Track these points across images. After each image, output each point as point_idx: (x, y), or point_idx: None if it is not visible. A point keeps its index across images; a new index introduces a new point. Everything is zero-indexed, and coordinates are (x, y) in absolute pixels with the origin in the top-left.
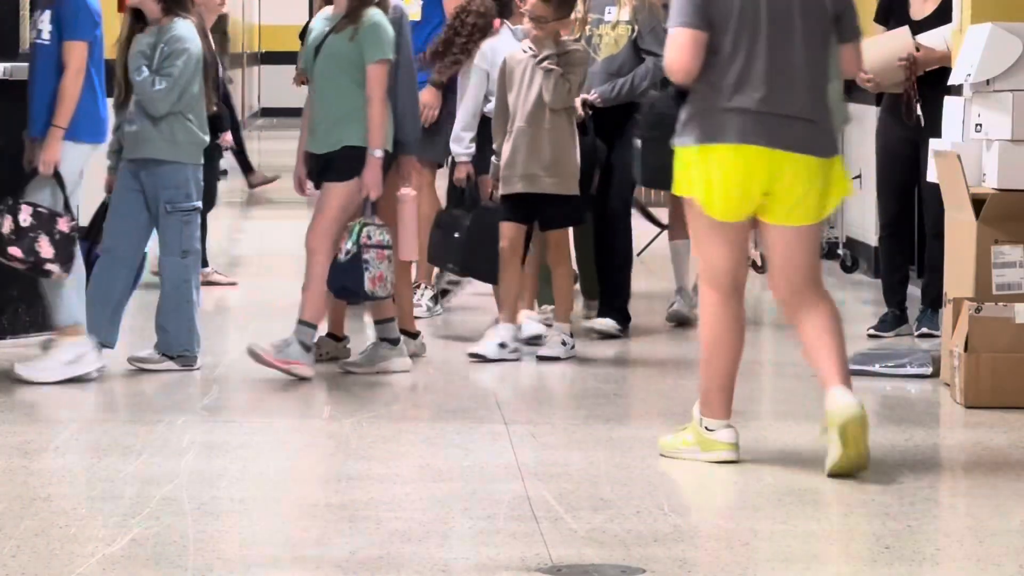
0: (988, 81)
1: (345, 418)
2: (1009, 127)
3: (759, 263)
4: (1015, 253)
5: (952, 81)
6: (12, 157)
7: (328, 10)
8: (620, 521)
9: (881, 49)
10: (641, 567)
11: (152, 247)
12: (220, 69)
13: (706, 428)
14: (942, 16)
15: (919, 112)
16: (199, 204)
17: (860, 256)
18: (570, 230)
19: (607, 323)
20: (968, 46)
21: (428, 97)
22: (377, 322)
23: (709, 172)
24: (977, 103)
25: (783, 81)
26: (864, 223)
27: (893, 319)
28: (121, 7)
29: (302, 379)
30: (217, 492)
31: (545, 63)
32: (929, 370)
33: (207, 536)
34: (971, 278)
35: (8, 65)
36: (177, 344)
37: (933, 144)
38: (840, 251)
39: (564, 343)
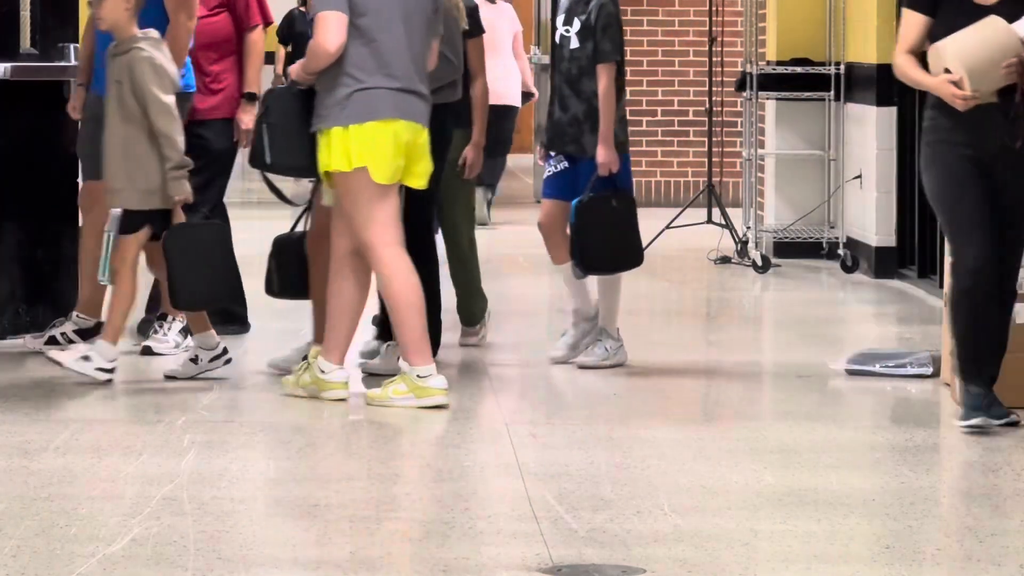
0: None
1: (345, 418)
2: None
3: (759, 263)
4: None
5: None
6: (10, 157)
7: None
8: (620, 521)
9: (974, 48)
10: (641, 567)
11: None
12: None
13: (418, 375)
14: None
15: None
16: None
17: (860, 256)
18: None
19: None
20: None
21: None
22: None
23: (370, 145)
24: None
25: (410, 61)
26: (864, 223)
27: (977, 400)
28: None
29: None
30: (217, 492)
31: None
32: (929, 370)
33: (207, 536)
34: None
35: (8, 65)
36: None
37: None
38: (840, 251)
39: (88, 360)
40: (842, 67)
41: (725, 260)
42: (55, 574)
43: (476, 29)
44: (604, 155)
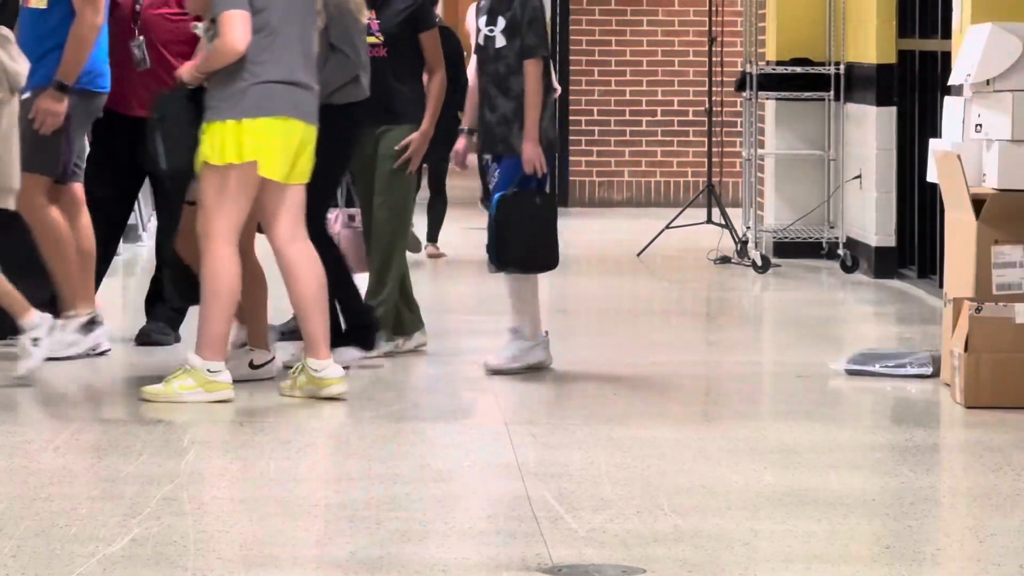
0: (988, 81)
1: (345, 418)
2: (1009, 127)
3: (759, 263)
4: (1015, 253)
5: (952, 81)
6: None
7: None
8: (620, 521)
9: None
10: (641, 567)
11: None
12: None
13: (209, 371)
14: None
15: None
16: None
17: (860, 256)
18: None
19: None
20: (968, 46)
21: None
22: None
23: (264, 140)
24: (977, 103)
25: (305, 55)
26: (864, 223)
27: None
28: None
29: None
30: (217, 492)
31: None
32: (929, 370)
33: (207, 536)
34: (971, 278)
35: None
36: None
37: (933, 144)
38: (840, 251)
39: (37, 344)
40: (842, 67)
41: (725, 260)
42: (55, 574)
43: (427, 23)
44: (528, 151)
